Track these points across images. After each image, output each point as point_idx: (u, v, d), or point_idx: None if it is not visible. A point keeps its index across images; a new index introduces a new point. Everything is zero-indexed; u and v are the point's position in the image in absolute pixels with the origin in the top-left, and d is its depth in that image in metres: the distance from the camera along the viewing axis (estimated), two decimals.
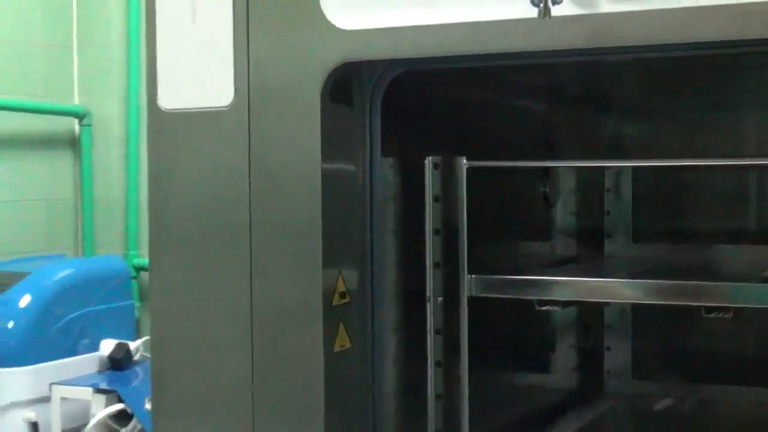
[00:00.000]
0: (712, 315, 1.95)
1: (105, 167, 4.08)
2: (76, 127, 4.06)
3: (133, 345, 3.43)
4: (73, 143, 4.07)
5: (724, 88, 2.35)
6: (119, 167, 4.06)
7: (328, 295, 1.59)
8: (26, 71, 3.89)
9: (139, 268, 3.89)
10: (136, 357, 3.43)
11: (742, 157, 2.36)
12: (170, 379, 1.73)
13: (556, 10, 1.37)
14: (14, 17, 3.84)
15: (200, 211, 1.67)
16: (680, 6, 1.32)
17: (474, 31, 1.45)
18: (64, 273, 3.53)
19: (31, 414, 3.28)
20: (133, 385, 3.24)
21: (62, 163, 4.06)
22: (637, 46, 1.42)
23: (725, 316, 2.02)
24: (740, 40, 1.35)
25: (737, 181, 2.51)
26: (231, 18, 1.62)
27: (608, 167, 2.52)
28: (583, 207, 2.54)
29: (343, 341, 1.63)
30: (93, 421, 3.17)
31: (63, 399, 3.27)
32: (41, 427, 3.29)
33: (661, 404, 2.48)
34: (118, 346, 3.40)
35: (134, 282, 3.85)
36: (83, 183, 4.07)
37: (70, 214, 4.09)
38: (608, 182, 2.58)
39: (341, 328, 1.63)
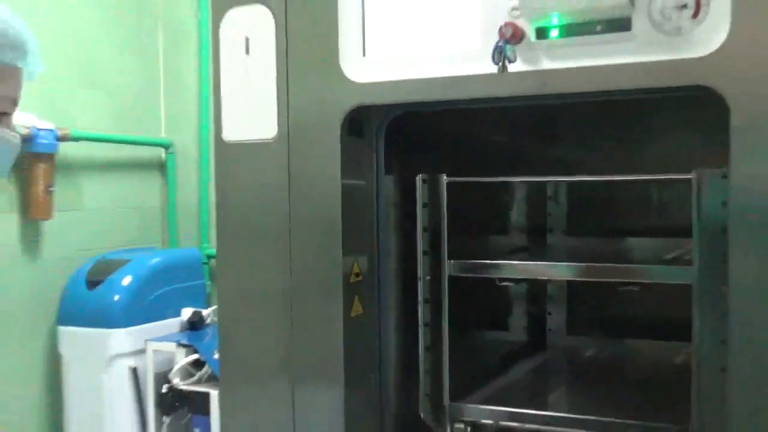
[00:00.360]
0: (625, 288, 2.03)
1: (183, 183, 4.08)
2: (163, 155, 4.07)
3: (204, 312, 3.46)
4: (161, 166, 4.08)
5: (631, 123, 2.40)
6: (194, 183, 4.05)
7: (346, 276, 1.64)
8: (126, 113, 3.89)
9: (209, 257, 3.86)
10: (207, 321, 3.45)
11: (647, 173, 2.38)
12: (232, 337, 1.78)
13: (511, 68, 1.41)
14: (117, 71, 3.85)
15: (253, 214, 1.71)
16: (593, 65, 1.38)
17: (451, 83, 1.50)
18: (154, 260, 3.59)
19: (131, 362, 3.35)
20: (205, 341, 3.25)
21: (153, 181, 4.06)
22: (567, 93, 1.45)
23: (634, 289, 2.09)
24: (634, 89, 1.42)
25: (644, 192, 2.55)
26: (275, 74, 1.65)
27: (550, 181, 2.55)
28: (531, 210, 2.59)
29: (357, 309, 1.68)
30: (176, 367, 3.22)
31: (154, 351, 3.32)
32: (138, 372, 3.36)
33: (588, 353, 2.54)
34: (194, 313, 3.43)
35: (206, 266, 3.86)
36: (168, 195, 4.09)
37: (158, 217, 4.09)
38: (550, 192, 2.63)
39: (356, 299, 1.68)
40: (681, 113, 2.34)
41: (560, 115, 2.54)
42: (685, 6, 1.32)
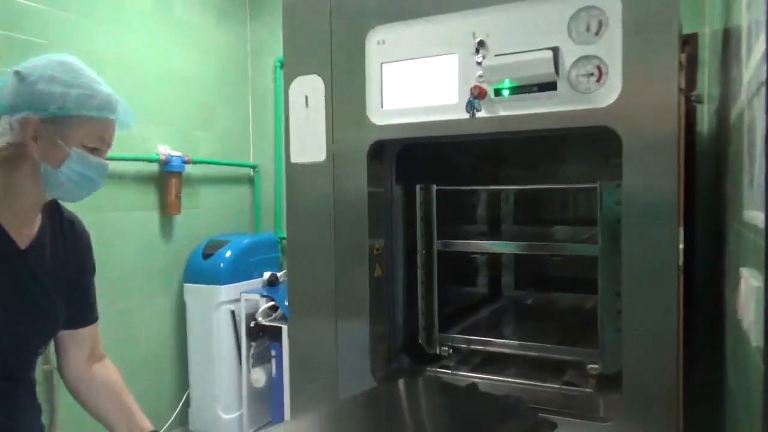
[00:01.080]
0: (553, 258, 2.02)
1: (264, 191, 4.06)
2: (251, 173, 4.06)
3: (278, 274, 3.44)
4: (250, 180, 4.07)
5: (555, 150, 2.38)
6: (270, 191, 4.03)
7: (371, 250, 1.65)
8: (228, 145, 3.89)
9: (281, 238, 3.83)
10: (280, 280, 3.43)
11: (563, 183, 2.36)
12: (296, 290, 1.77)
13: (478, 115, 1.42)
14: (222, 118, 3.85)
15: (311, 210, 1.70)
16: (531, 112, 1.38)
17: (438, 125, 1.50)
18: (246, 240, 3.57)
19: (231, 307, 3.36)
20: (278, 293, 3.25)
21: (245, 190, 4.06)
22: (515, 131, 1.44)
23: (557, 258, 2.08)
24: (558, 128, 1.41)
25: (564, 196, 2.51)
26: (324, 119, 1.65)
27: (502, 189, 2.53)
28: (490, 207, 2.56)
29: (378, 272, 1.69)
30: (260, 310, 3.23)
31: (246, 300, 3.33)
32: (236, 313, 3.36)
33: (528, 302, 2.51)
34: (272, 275, 3.42)
35: (279, 244, 3.83)
36: (254, 199, 4.08)
37: (248, 213, 4.07)
38: (502, 196, 2.59)
39: (377, 265, 1.68)
40: (587, 144, 2.29)
41: (508, 146, 2.48)
42: (592, 74, 1.32)
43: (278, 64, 3.92)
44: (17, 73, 1.14)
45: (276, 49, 3.95)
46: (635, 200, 1.30)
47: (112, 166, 3.11)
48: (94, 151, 1.21)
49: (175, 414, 3.44)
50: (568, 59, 1.33)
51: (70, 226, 1.36)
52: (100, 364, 1.42)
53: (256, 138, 4.07)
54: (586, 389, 1.57)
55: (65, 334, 1.36)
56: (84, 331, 1.39)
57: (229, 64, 3.91)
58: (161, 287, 3.42)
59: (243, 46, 4.03)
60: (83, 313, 1.39)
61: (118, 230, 3.14)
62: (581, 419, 1.40)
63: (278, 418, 3.18)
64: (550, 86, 1.35)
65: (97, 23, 3.01)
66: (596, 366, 1.60)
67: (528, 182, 2.47)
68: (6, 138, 1.14)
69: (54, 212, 1.34)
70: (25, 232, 1.23)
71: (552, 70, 1.31)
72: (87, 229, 1.42)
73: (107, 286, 3.07)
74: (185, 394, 3.50)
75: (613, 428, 1.36)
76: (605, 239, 1.54)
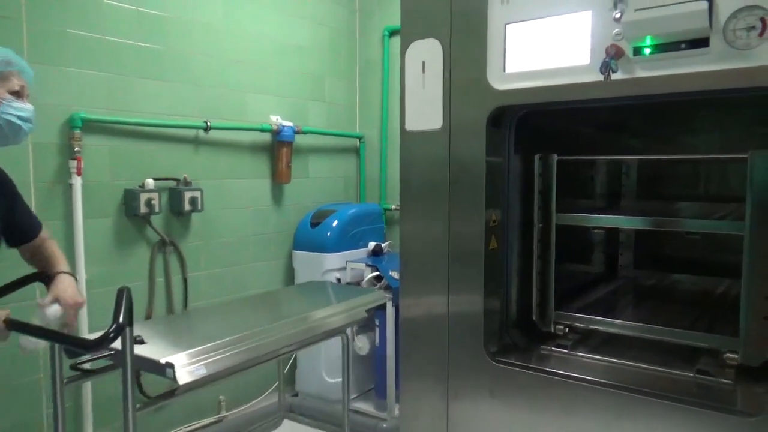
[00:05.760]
0: (688, 235, 1.85)
1: (369, 162, 4.08)
2: (357, 143, 4.09)
3: (383, 244, 3.47)
4: (356, 151, 4.11)
5: (688, 118, 2.18)
6: (376, 162, 4.04)
7: (487, 222, 1.59)
8: (336, 116, 3.93)
9: (385, 209, 3.86)
10: (384, 250, 3.46)
11: (698, 154, 2.17)
12: (409, 260, 1.74)
13: (613, 77, 1.31)
14: (331, 90, 3.89)
15: (425, 179, 1.66)
16: (677, 73, 1.25)
17: (566, 89, 1.40)
18: (352, 210, 3.60)
19: (337, 274, 3.41)
20: (382, 263, 3.26)
21: (351, 160, 4.10)
22: (656, 95, 1.31)
23: (692, 236, 1.92)
24: (709, 90, 1.25)
25: (691, 168, 2.32)
26: (441, 85, 1.60)
27: (624, 160, 2.37)
28: (609, 180, 2.40)
29: (493, 244, 1.63)
30: (365, 279, 3.25)
31: (351, 268, 3.36)
32: (341, 281, 3.40)
33: (647, 282, 2.35)
34: (376, 245, 3.46)
35: (383, 215, 3.85)
36: (360, 169, 4.12)
37: (354, 183, 4.12)
38: (623, 169, 2.43)
39: (492, 237, 1.63)
40: (716, 112, 2.09)
41: (630, 113, 2.29)
42: (753, 27, 1.16)
43: (386, 33, 3.90)
44: None
45: (384, 18, 3.93)
46: None
47: (230, 136, 3.32)
48: (16, 95, 1.62)
49: (283, 375, 3.59)
50: (724, 11, 1.18)
51: None
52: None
53: (362, 109, 4.09)
54: (725, 380, 1.43)
55: (24, 251, 1.85)
56: (37, 240, 1.85)
57: (339, 35, 3.93)
58: (272, 252, 3.55)
59: (352, 16, 4.03)
60: (32, 227, 1.85)
61: (235, 197, 3.29)
62: (722, 412, 1.27)
63: (381, 384, 3.22)
64: (702, 42, 1.20)
65: None
66: (735, 355, 1.45)
67: (651, 153, 2.31)
68: None
69: None
70: None
71: (706, 23, 1.17)
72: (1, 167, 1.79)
73: (223, 249, 3.26)
74: (293, 357, 3.63)
75: (758, 425, 1.23)
76: (755, 216, 1.38)
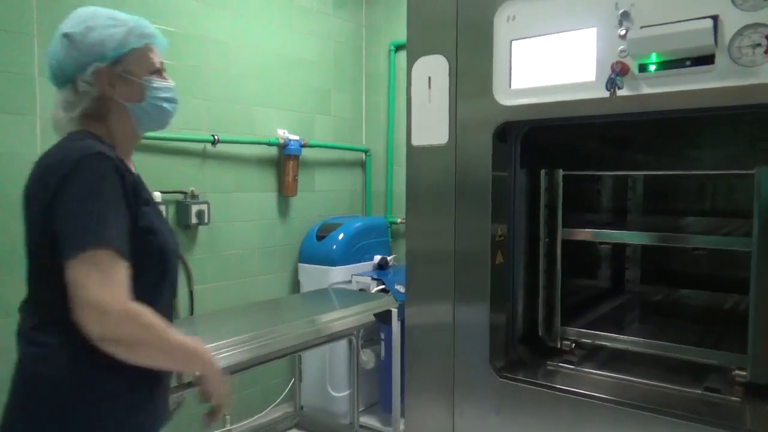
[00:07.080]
0: (695, 252, 1.83)
1: (375, 175, 4.09)
2: (363, 157, 4.10)
3: (388, 258, 3.49)
4: (362, 164, 4.11)
5: (692, 133, 2.18)
6: (382, 176, 4.05)
7: (493, 236, 1.57)
8: (342, 130, 3.95)
9: (390, 222, 3.87)
10: (390, 264, 3.48)
11: (700, 170, 2.16)
12: (414, 274, 1.73)
13: (619, 93, 1.30)
14: (337, 104, 3.90)
15: (431, 193, 1.65)
16: (682, 89, 1.24)
17: (571, 104, 1.39)
18: (357, 224, 3.62)
19: (342, 287, 3.40)
20: (388, 276, 3.28)
21: (357, 174, 4.10)
22: (661, 111, 1.31)
23: (699, 252, 1.89)
24: (713, 107, 1.25)
25: (697, 184, 2.31)
26: (447, 100, 1.60)
27: (630, 174, 2.37)
28: (615, 195, 2.40)
29: (499, 259, 1.61)
30: (372, 291, 3.27)
31: (357, 281, 3.38)
32: None
33: (654, 298, 2.34)
34: (382, 258, 3.47)
35: (389, 229, 3.87)
36: (366, 182, 4.12)
37: (359, 196, 4.13)
38: (629, 183, 2.43)
39: (498, 252, 1.60)
40: (721, 128, 2.09)
41: (635, 129, 2.29)
42: (758, 45, 1.16)
43: (392, 48, 3.92)
44: (66, 35, 1.23)
45: (390, 33, 3.96)
46: None
47: (237, 149, 3.33)
48: (157, 74, 1.35)
49: (288, 389, 3.58)
50: (729, 28, 1.17)
51: None
52: None
53: (368, 122, 4.11)
54: (733, 398, 1.41)
55: None
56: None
57: (345, 50, 3.96)
58: (278, 265, 3.56)
59: (358, 31, 4.06)
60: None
61: (241, 210, 3.29)
62: (730, 430, 1.26)
63: (387, 399, 3.20)
64: (707, 60, 1.20)
65: (223, 11, 3.15)
66: (744, 372, 1.43)
67: (657, 168, 2.30)
68: (90, 96, 1.26)
69: None
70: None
71: (712, 41, 1.17)
72: None
73: (230, 262, 3.26)
74: (298, 370, 3.62)
75: None
76: (762, 232, 1.37)
